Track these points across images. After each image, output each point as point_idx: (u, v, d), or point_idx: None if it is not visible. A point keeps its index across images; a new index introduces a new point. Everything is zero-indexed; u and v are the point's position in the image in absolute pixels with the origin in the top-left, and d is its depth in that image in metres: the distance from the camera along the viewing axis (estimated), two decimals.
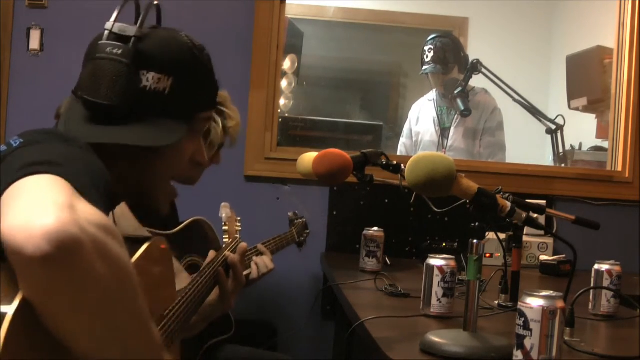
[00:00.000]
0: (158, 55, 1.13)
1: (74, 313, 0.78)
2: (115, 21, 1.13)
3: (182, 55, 1.16)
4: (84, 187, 0.87)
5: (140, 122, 1.11)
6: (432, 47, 3.63)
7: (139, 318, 0.87)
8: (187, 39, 1.19)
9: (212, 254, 1.64)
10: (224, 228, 1.89)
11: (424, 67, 3.66)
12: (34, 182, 0.83)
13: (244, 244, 1.70)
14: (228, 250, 1.66)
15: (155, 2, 1.19)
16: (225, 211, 1.92)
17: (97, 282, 0.77)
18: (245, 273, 2.11)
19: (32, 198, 0.79)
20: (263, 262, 2.17)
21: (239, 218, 1.94)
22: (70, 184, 0.85)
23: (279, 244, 2.31)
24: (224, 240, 1.85)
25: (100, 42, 1.11)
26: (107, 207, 0.98)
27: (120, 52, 1.10)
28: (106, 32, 1.12)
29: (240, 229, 1.91)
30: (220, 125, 2.07)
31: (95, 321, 0.80)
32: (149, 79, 1.11)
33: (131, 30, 1.12)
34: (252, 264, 2.14)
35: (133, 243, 1.11)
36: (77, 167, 0.93)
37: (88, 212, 0.79)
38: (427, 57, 3.65)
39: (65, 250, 0.73)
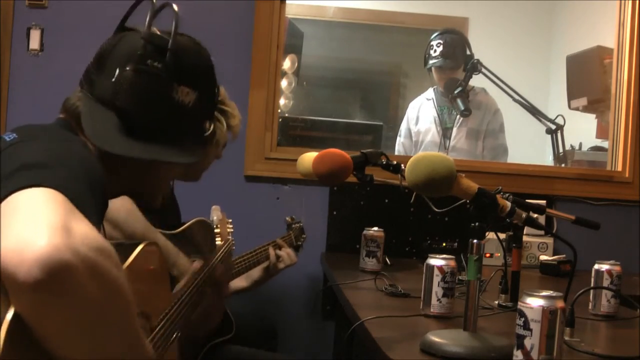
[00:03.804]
0: (190, 70, 1.15)
1: (65, 333, 0.78)
2: (148, 28, 1.13)
3: (206, 70, 1.20)
4: (79, 197, 0.86)
5: (166, 134, 1.13)
6: (441, 41, 3.58)
7: (130, 334, 0.87)
8: (206, 50, 1.21)
9: (196, 265, 1.63)
10: (215, 231, 1.89)
11: (431, 61, 3.59)
12: (28, 198, 0.81)
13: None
14: (220, 254, 1.66)
15: (175, 7, 1.18)
16: (216, 214, 1.93)
17: (88, 305, 0.77)
18: (265, 265, 2.22)
19: (26, 218, 0.77)
20: (288, 254, 2.27)
21: (230, 220, 1.94)
22: (66, 196, 0.83)
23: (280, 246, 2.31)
24: (217, 242, 1.85)
25: (139, 52, 1.10)
26: (101, 210, 0.97)
27: (160, 66, 1.10)
28: (142, 42, 1.11)
29: (232, 230, 1.91)
30: (225, 124, 2.08)
31: (86, 339, 0.80)
32: (179, 92, 1.13)
33: (166, 41, 1.12)
34: (283, 254, 2.25)
35: (126, 248, 1.12)
36: (73, 170, 0.92)
37: (84, 233, 0.78)
38: (434, 51, 3.58)
39: (56, 277, 0.73)
